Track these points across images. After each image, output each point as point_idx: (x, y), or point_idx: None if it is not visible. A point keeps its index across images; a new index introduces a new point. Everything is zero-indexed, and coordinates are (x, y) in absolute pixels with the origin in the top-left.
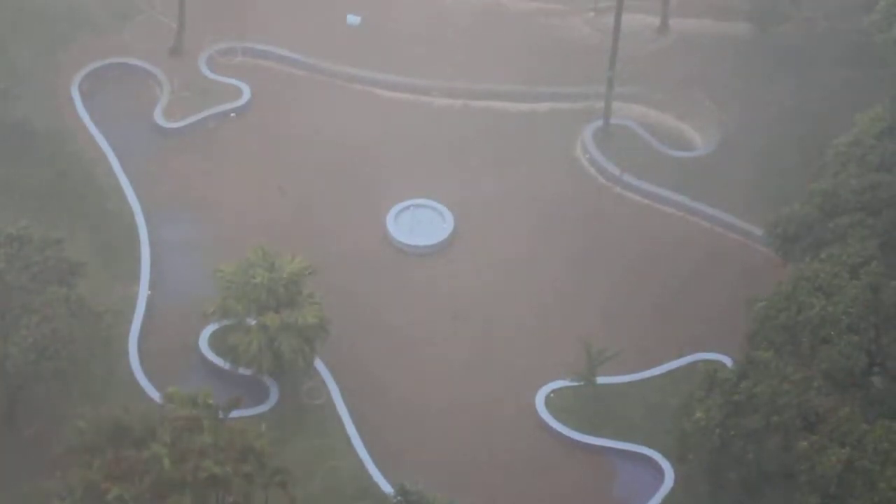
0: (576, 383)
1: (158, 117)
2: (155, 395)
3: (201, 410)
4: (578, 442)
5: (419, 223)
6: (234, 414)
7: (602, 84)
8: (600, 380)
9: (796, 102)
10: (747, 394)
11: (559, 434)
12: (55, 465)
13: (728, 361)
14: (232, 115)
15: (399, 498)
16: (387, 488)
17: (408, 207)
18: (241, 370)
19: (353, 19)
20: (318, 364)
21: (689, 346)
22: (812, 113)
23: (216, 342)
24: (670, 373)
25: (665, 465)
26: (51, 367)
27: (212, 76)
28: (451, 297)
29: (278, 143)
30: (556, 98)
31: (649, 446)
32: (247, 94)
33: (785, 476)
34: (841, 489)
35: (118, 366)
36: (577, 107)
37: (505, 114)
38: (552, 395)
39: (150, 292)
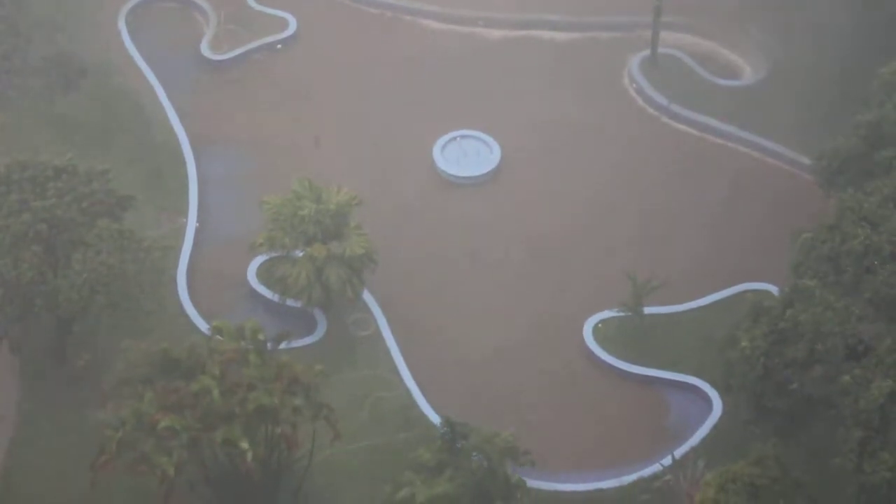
0: (623, 314)
1: (205, 49)
2: (204, 327)
3: (249, 343)
4: (626, 372)
5: (466, 154)
6: (284, 346)
7: (649, 13)
8: (648, 310)
9: (847, 31)
10: (792, 322)
11: (607, 364)
12: (106, 397)
13: (776, 291)
14: (278, 46)
15: (445, 429)
16: (434, 419)
17: (455, 138)
18: (290, 302)
19: None
20: (366, 296)
21: (738, 276)
22: (863, 42)
23: (264, 274)
24: (718, 303)
25: (713, 394)
26: (102, 302)
27: (258, 7)
28: (497, 228)
29: (324, 74)
30: (604, 27)
31: (697, 376)
32: (293, 26)
33: (828, 406)
34: (883, 422)
35: (167, 298)
36: (624, 36)
37: (552, 44)
38: (600, 325)
39: (197, 224)
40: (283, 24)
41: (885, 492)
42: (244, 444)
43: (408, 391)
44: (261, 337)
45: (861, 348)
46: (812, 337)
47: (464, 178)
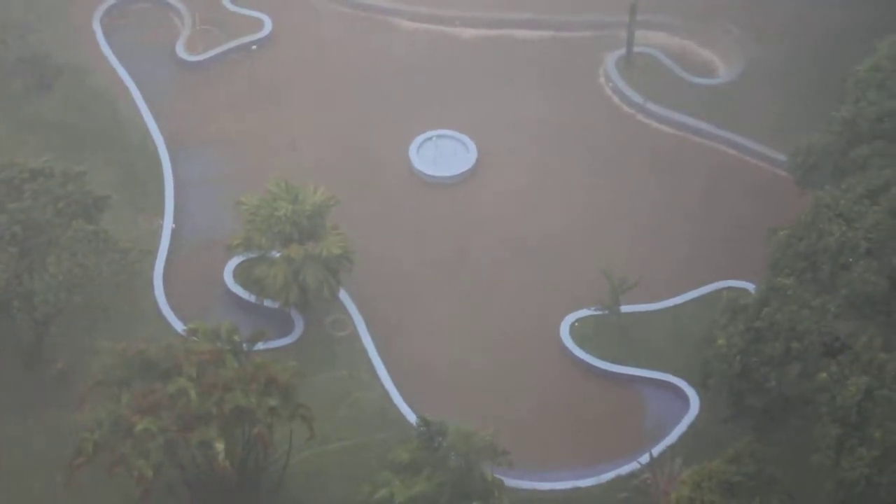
0: (600, 312)
1: (180, 50)
2: (180, 328)
3: (225, 344)
4: (603, 370)
5: (442, 154)
6: (261, 347)
7: (625, 12)
8: (625, 308)
9: (822, 28)
10: (768, 321)
11: (584, 363)
12: (83, 399)
13: (753, 289)
14: (253, 47)
15: (422, 428)
16: (412, 418)
17: (431, 138)
18: (267, 303)
19: None
20: (343, 296)
21: (715, 274)
22: (839, 39)
23: (241, 275)
24: (695, 300)
25: (690, 392)
26: (78, 304)
27: (233, 8)
28: (474, 227)
29: (300, 75)
30: (579, 26)
31: (674, 374)
32: (268, 26)
33: (806, 403)
34: (861, 419)
35: (144, 300)
36: (599, 35)
37: (527, 42)
38: (577, 324)
39: (174, 225)
40: (259, 25)
41: (862, 488)
42: (219, 445)
43: (385, 391)
44: (236, 338)
45: (837, 345)
46: (788, 335)
47: (440, 177)
